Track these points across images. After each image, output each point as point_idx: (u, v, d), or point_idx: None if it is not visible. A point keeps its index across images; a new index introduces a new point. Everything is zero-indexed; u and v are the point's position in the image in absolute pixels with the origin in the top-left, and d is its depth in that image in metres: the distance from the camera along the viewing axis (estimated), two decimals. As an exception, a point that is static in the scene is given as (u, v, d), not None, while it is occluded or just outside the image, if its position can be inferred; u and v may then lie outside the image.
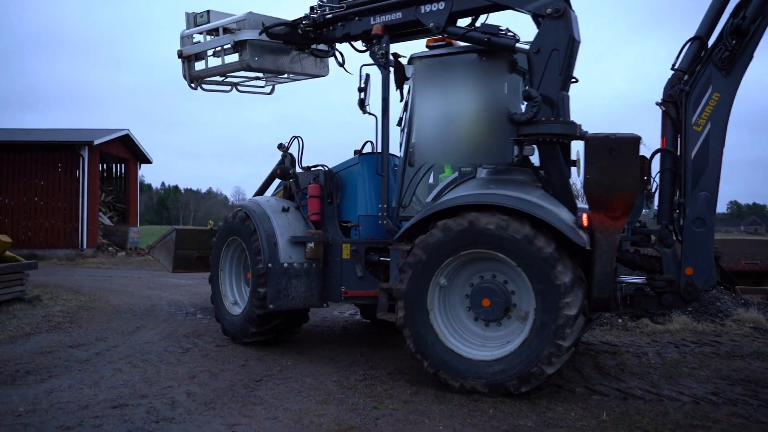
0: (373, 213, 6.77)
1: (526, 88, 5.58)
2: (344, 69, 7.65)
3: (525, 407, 5.01)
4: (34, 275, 11.47)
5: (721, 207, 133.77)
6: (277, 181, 8.31)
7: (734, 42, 5.22)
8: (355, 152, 7.24)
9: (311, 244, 6.90)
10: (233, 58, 7.66)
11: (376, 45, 6.33)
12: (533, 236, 5.07)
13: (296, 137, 7.83)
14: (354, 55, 7.27)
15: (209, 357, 6.74)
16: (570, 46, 5.41)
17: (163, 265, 10.60)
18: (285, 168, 7.75)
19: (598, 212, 5.11)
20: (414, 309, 5.54)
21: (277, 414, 4.85)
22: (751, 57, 5.28)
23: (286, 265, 6.77)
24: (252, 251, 7.03)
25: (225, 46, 7.63)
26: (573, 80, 5.98)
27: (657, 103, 5.58)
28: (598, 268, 5.19)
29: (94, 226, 23.69)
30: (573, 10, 5.59)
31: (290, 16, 7.32)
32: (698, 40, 5.50)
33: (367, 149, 7.18)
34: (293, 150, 7.85)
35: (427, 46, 6.40)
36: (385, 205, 6.40)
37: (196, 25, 8.01)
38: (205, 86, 8.41)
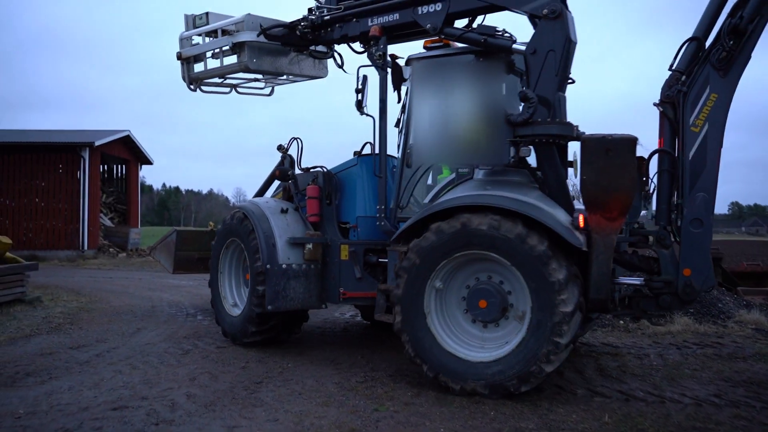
0: (372, 214, 6.77)
1: (523, 89, 5.57)
2: (343, 70, 7.67)
3: (526, 409, 4.99)
4: (34, 276, 11.48)
5: (723, 208, 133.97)
6: (277, 183, 8.31)
7: (732, 42, 5.21)
8: (355, 153, 7.25)
9: (310, 246, 6.90)
10: (232, 59, 7.69)
11: (374, 46, 6.35)
12: (525, 235, 5.08)
13: (295, 138, 7.84)
14: (352, 57, 7.28)
15: (210, 359, 6.73)
16: (566, 46, 5.41)
17: (164, 267, 10.59)
18: (284, 169, 7.75)
19: (595, 213, 5.10)
20: (411, 313, 5.55)
21: (277, 416, 4.84)
22: (748, 57, 5.26)
23: (284, 266, 6.78)
24: (250, 250, 7.04)
25: (223, 48, 7.66)
26: (570, 81, 5.98)
27: (655, 104, 5.58)
28: (595, 269, 5.18)
29: (94, 228, 23.69)
30: (569, 11, 5.60)
31: (289, 17, 7.32)
32: (696, 40, 5.49)
33: (367, 150, 7.19)
34: (293, 151, 7.86)
35: (425, 48, 6.41)
36: (383, 206, 6.41)
37: (195, 27, 8.03)
38: (204, 88, 8.44)
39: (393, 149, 6.69)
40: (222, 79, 8.33)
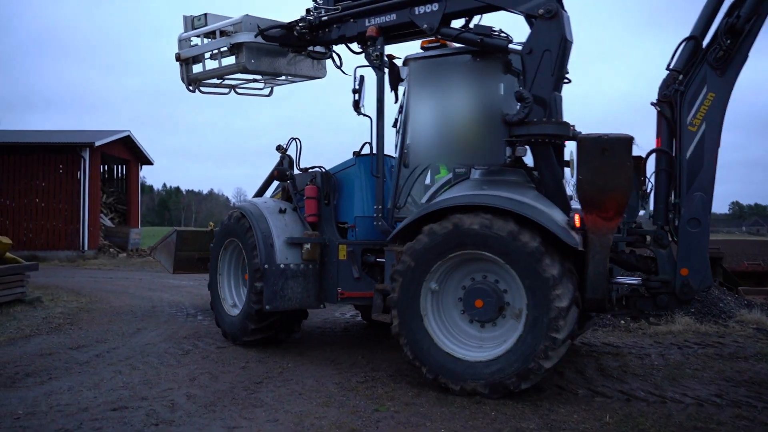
0: (370, 214, 6.78)
1: (519, 88, 5.57)
2: (341, 71, 7.67)
3: (527, 409, 4.98)
4: (34, 277, 11.48)
5: (723, 208, 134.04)
6: (276, 183, 8.31)
7: (729, 41, 5.21)
8: (354, 153, 7.24)
9: (308, 245, 6.91)
10: (230, 60, 7.69)
11: (371, 47, 6.36)
12: (518, 232, 5.09)
13: (294, 139, 7.86)
14: (351, 57, 7.28)
15: (210, 359, 6.72)
16: (562, 46, 5.41)
17: (164, 267, 10.60)
18: (282, 169, 7.77)
19: (591, 213, 5.10)
20: (408, 316, 5.57)
21: (277, 416, 4.84)
22: (746, 56, 5.26)
23: (282, 266, 6.79)
24: (248, 248, 7.06)
25: (222, 49, 7.67)
26: (566, 81, 5.97)
27: (652, 104, 5.58)
28: (591, 269, 5.18)
29: (95, 228, 23.69)
30: (565, 11, 5.61)
31: (289, 18, 7.32)
32: (693, 39, 5.48)
33: (366, 150, 7.18)
34: (292, 152, 7.88)
35: (422, 48, 6.42)
36: (381, 206, 6.42)
37: (194, 28, 8.04)
38: (203, 89, 8.44)
39: (391, 149, 6.69)
40: (221, 80, 8.34)
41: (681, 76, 5.44)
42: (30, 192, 23.28)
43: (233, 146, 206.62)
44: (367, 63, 6.46)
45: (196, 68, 8.10)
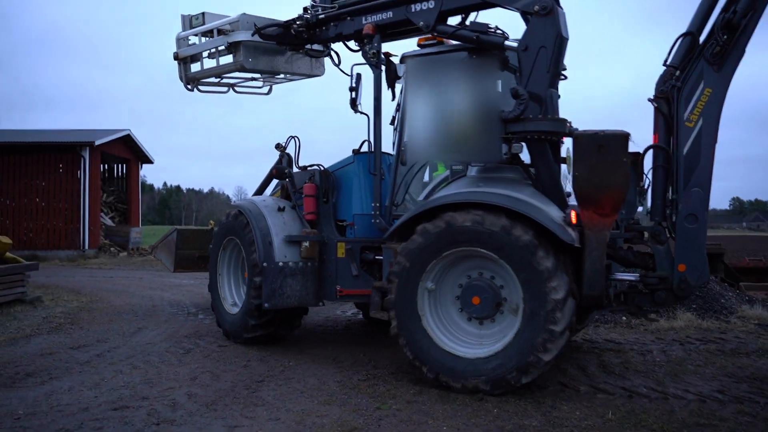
0: (368, 212, 6.79)
1: (514, 85, 5.57)
2: (340, 69, 7.64)
3: (530, 406, 4.97)
4: (35, 276, 11.48)
5: (724, 203, 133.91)
6: (276, 181, 8.30)
7: (725, 37, 5.19)
8: (354, 151, 7.24)
9: (306, 243, 6.92)
10: (228, 59, 7.70)
11: (368, 44, 6.36)
12: (510, 227, 5.10)
13: (293, 137, 7.87)
14: (349, 55, 7.27)
15: (211, 358, 6.72)
16: (558, 43, 5.40)
17: (165, 265, 10.60)
18: (281, 168, 7.77)
19: (587, 209, 5.09)
20: (406, 316, 5.57)
21: (279, 415, 4.83)
22: (742, 52, 5.24)
23: (281, 264, 6.80)
24: (246, 243, 7.09)
25: (219, 48, 7.67)
26: (562, 77, 5.95)
27: (649, 100, 5.56)
28: (588, 266, 5.17)
29: (95, 227, 23.69)
30: (561, 7, 5.60)
31: (286, 17, 7.30)
32: (690, 35, 5.46)
33: (365, 148, 7.17)
34: (291, 150, 7.88)
35: (419, 45, 6.42)
36: (378, 204, 6.42)
37: (192, 27, 8.05)
38: (201, 87, 8.45)
39: (388, 147, 6.69)
40: (219, 79, 8.34)
41: (678, 72, 5.41)
42: (30, 191, 23.29)
43: (234, 145, 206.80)
44: (364, 61, 6.47)
45: (194, 67, 8.10)
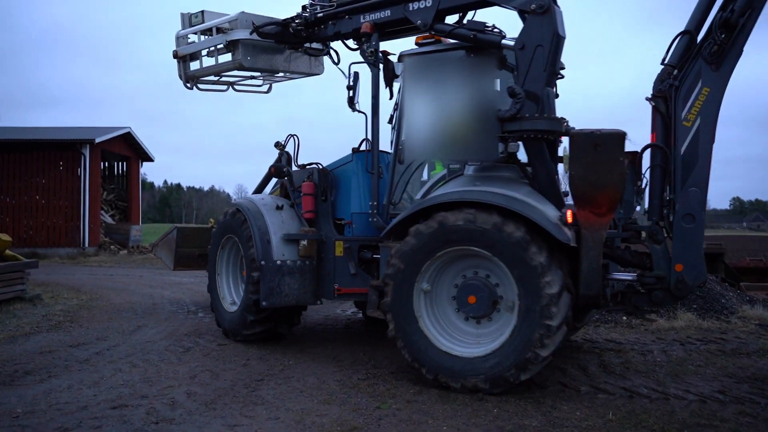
0: (367, 211, 6.77)
1: (511, 84, 5.56)
2: (339, 68, 7.64)
3: (530, 406, 4.96)
4: (35, 274, 11.47)
5: (724, 203, 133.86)
6: (275, 180, 8.30)
7: (723, 36, 5.17)
8: (354, 150, 7.24)
9: (304, 242, 6.92)
10: (227, 57, 7.71)
11: (366, 43, 6.36)
12: (502, 223, 5.10)
13: (292, 135, 7.88)
14: (347, 53, 7.27)
15: (210, 356, 6.71)
16: (555, 41, 5.38)
17: (165, 263, 10.58)
18: (279, 166, 7.77)
19: (584, 209, 5.07)
20: (402, 318, 5.57)
21: (278, 414, 4.82)
22: (740, 51, 5.23)
23: (279, 262, 6.80)
24: (243, 240, 7.09)
25: (218, 46, 7.68)
26: (559, 76, 5.93)
27: (647, 99, 5.54)
28: (585, 265, 5.15)
29: (95, 225, 23.70)
30: (558, 6, 5.59)
31: (285, 15, 7.30)
32: (688, 34, 5.44)
33: (364, 147, 7.16)
34: (290, 148, 7.88)
35: (417, 44, 6.42)
36: (376, 203, 6.42)
37: (191, 26, 8.06)
38: (200, 86, 8.46)
39: (387, 146, 6.67)
40: (218, 77, 8.34)
41: (676, 71, 5.40)
42: (30, 189, 23.29)
43: (234, 143, 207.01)
44: (362, 59, 6.47)
45: (194, 65, 8.12)
